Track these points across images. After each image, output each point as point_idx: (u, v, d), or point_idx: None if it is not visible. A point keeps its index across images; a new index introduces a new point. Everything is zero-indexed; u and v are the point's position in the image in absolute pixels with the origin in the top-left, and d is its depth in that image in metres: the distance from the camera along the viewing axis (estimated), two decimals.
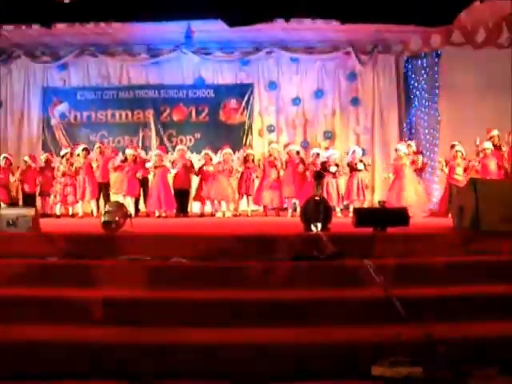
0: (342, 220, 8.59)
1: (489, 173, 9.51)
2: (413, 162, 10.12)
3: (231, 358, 3.63)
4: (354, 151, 10.68)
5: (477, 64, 11.51)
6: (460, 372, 3.40)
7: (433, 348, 3.53)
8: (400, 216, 5.88)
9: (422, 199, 10.05)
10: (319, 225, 5.68)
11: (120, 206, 6.59)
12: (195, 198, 10.97)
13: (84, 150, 10.86)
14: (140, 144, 12.49)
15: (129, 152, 10.82)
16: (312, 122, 13.05)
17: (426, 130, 12.39)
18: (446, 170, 9.92)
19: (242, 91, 12.96)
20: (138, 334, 3.85)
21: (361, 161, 10.42)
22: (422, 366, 3.44)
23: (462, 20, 10.59)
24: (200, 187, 10.80)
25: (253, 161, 10.92)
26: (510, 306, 4.13)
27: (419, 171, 10.36)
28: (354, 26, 11.00)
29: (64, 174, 10.56)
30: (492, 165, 9.62)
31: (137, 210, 10.92)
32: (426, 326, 3.71)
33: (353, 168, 10.43)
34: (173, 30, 11.12)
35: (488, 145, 9.72)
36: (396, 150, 10.35)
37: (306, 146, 12.39)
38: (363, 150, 11.56)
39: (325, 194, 9.90)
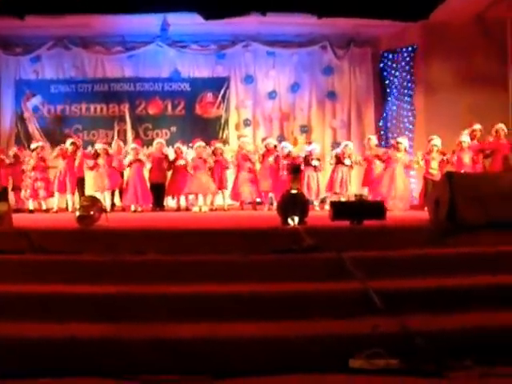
0: (319, 213, 8.61)
1: (463, 166, 9.62)
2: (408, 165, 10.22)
3: (211, 352, 3.60)
4: (346, 145, 10.68)
5: (452, 59, 11.63)
6: (437, 363, 3.42)
7: (410, 340, 3.55)
8: (377, 209, 5.92)
9: (408, 193, 10.14)
10: (296, 218, 5.68)
11: (95, 201, 6.51)
12: (168, 193, 10.89)
13: (72, 144, 10.66)
14: (115, 138, 12.35)
15: (98, 146, 10.65)
16: (288, 115, 13.06)
17: (402, 124, 12.49)
18: (422, 163, 10.00)
19: (218, 85, 12.91)
20: (117, 329, 3.80)
21: (349, 156, 10.44)
22: (399, 358, 3.46)
23: (438, 15, 10.72)
24: (172, 182, 10.72)
25: (221, 154, 10.85)
26: (485, 297, 4.17)
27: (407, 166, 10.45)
28: (331, 20, 11.07)
29: (34, 168, 10.37)
30: (467, 158, 9.72)
31: (112, 204, 10.81)
32: (404, 318, 3.73)
33: (339, 161, 10.43)
34: (148, 22, 11.06)
35: (465, 138, 9.81)
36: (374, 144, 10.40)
37: (282, 140, 12.40)
38: (339, 144, 11.58)
39: (305, 188, 9.96)
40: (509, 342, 3.70)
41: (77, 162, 10.62)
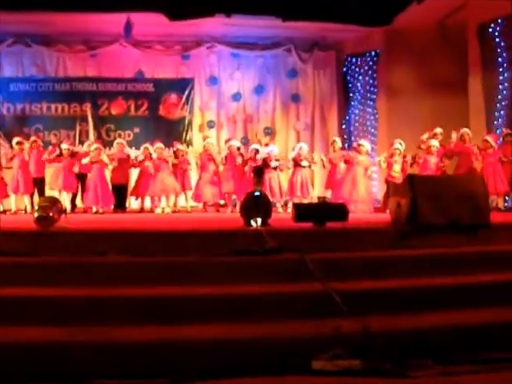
0: (282, 215, 8.61)
1: (427, 169, 9.74)
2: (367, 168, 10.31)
3: (170, 356, 3.54)
4: (300, 147, 10.70)
5: (414, 64, 11.84)
6: (398, 363, 3.44)
7: (372, 340, 3.56)
8: (339, 211, 5.92)
9: (370, 196, 10.24)
10: (259, 220, 5.66)
11: (54, 201, 6.34)
12: (132, 194, 10.75)
13: (18, 143, 10.41)
14: (77, 138, 12.15)
15: (64, 146, 10.46)
16: (252, 117, 13.09)
17: (365, 128, 12.64)
18: (384, 165, 10.10)
19: (182, 86, 12.85)
20: (74, 333, 3.70)
21: (306, 158, 10.48)
22: (361, 359, 3.46)
23: (400, 21, 10.89)
24: (138, 182, 10.60)
25: (182, 155, 10.77)
26: (445, 297, 4.22)
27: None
28: (296, 23, 11.13)
29: None
30: (432, 163, 9.86)
31: (74, 205, 10.62)
32: (366, 319, 3.74)
33: (297, 164, 10.46)
34: (112, 21, 10.91)
35: (435, 142, 9.94)
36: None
37: (246, 142, 12.39)
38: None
39: (267, 190, 9.94)
40: (466, 340, 3.76)
41: (31, 164, 10.35)
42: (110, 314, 3.95)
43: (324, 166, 10.79)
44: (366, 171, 10.15)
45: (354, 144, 10.58)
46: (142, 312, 3.99)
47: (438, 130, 10.15)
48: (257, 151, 10.60)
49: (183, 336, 3.72)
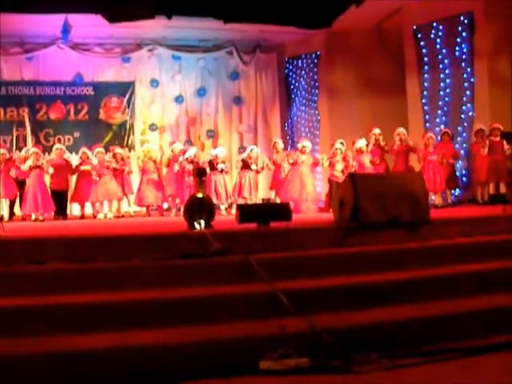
0: (226, 218, 8.59)
1: (364, 169, 9.98)
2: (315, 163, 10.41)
3: (118, 362, 3.46)
4: (251, 150, 10.68)
5: (353, 66, 12.06)
6: (344, 359, 3.47)
7: (318, 338, 3.58)
8: (283, 211, 5.95)
9: (316, 194, 10.36)
10: (202, 222, 5.61)
11: None
12: (72, 200, 10.49)
13: None
14: (14, 144, 11.75)
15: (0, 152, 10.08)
16: (195, 120, 13.01)
17: (307, 129, 12.78)
18: (326, 164, 10.22)
19: (123, 89, 12.64)
20: (12, 345, 3.56)
21: (256, 162, 10.48)
22: (308, 357, 3.47)
23: (340, 24, 11.08)
24: (76, 188, 10.34)
25: (122, 159, 10.61)
26: (388, 293, 4.30)
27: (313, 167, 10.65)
28: (237, 25, 11.13)
29: None
30: (367, 161, 10.08)
31: (12, 213, 10.24)
32: (312, 317, 3.76)
33: (246, 165, 10.45)
34: (49, 23, 10.60)
35: (362, 143, 10.17)
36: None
37: (189, 145, 12.30)
38: (245, 148, 11.62)
39: (213, 192, 9.89)
40: (410, 334, 3.83)
41: None
42: (50, 323, 3.82)
43: (269, 168, 10.83)
44: (313, 167, 10.29)
45: (298, 145, 10.66)
46: (83, 320, 3.87)
47: (376, 131, 10.38)
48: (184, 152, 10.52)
49: (129, 342, 3.64)
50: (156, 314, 3.99)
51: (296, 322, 3.78)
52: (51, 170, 10.04)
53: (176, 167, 10.27)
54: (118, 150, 10.88)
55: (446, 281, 4.59)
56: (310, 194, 10.09)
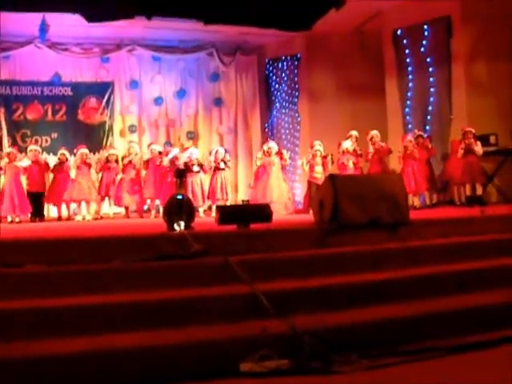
0: (205, 219, 8.56)
1: (347, 170, 10.02)
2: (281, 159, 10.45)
3: (97, 366, 3.41)
4: (216, 151, 10.69)
5: (334, 68, 12.12)
6: (325, 360, 3.47)
7: (299, 339, 3.57)
8: (263, 212, 5.94)
9: (285, 196, 10.31)
10: (182, 223, 5.58)
11: None
12: (48, 200, 10.36)
13: None
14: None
15: None
16: (175, 122, 12.96)
17: (287, 131, 12.81)
18: (307, 168, 10.26)
19: (101, 89, 12.54)
20: None
21: (222, 160, 10.48)
22: (289, 358, 3.47)
23: (320, 27, 11.11)
24: (51, 189, 10.22)
25: (116, 161, 10.53)
26: (369, 293, 4.31)
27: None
28: (217, 27, 11.09)
29: None
30: (350, 163, 10.13)
31: None
32: (292, 318, 3.76)
33: (216, 167, 10.44)
34: (26, 21, 10.45)
35: (347, 144, 10.21)
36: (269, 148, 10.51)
37: (168, 146, 12.24)
38: (225, 149, 11.61)
39: (190, 194, 9.84)
40: (390, 334, 3.85)
41: None
42: (27, 327, 3.75)
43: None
44: (282, 170, 10.39)
45: (264, 147, 10.68)
46: (60, 323, 3.81)
47: (354, 133, 10.45)
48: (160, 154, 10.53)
49: (108, 345, 3.59)
50: (136, 316, 3.94)
51: (277, 323, 3.77)
52: (25, 163, 9.88)
53: (165, 160, 10.26)
54: (111, 151, 10.81)
55: (425, 281, 4.62)
56: (276, 196, 10.05)
